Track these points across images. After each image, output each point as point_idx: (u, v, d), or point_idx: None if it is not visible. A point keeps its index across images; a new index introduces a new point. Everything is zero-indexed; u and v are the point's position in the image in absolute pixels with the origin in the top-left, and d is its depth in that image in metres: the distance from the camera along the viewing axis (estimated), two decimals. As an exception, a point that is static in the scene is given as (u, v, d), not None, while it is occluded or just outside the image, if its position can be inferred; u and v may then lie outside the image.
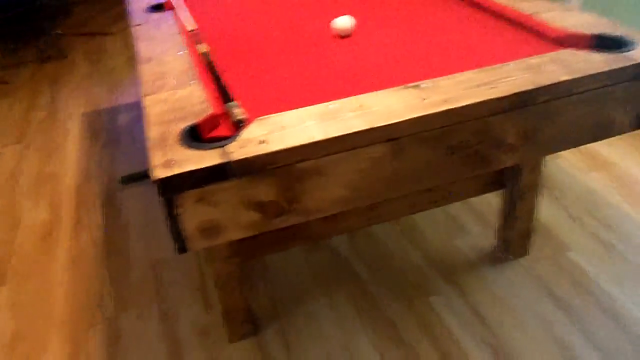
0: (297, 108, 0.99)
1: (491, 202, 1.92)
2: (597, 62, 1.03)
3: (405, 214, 1.51)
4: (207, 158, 0.86)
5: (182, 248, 0.90)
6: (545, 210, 1.85)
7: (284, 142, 0.89)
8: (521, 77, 1.00)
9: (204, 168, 0.84)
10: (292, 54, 1.28)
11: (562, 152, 2.15)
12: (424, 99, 0.96)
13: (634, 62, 1.01)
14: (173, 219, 0.87)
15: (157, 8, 1.65)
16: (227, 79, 1.20)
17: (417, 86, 1.01)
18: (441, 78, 1.03)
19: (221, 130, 0.99)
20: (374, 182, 0.95)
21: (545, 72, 1.01)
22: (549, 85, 0.97)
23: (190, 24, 1.50)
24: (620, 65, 1.01)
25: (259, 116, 0.98)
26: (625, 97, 1.04)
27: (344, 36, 1.34)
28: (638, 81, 1.03)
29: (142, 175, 2.30)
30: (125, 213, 2.04)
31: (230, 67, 1.25)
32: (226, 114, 1.03)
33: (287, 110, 1.01)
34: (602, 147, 2.16)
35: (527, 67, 1.04)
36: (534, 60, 1.06)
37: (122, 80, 3.18)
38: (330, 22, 1.43)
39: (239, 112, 1.01)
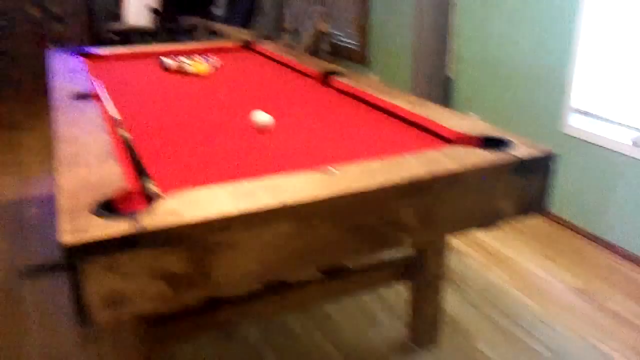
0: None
1: (400, 292, 1.98)
2: (485, 156, 1.17)
3: (316, 301, 1.53)
4: (118, 226, 0.87)
5: (84, 320, 0.88)
6: (453, 302, 1.94)
7: (196, 215, 0.92)
8: (419, 167, 1.12)
9: (113, 236, 0.85)
10: (210, 139, 1.34)
11: (466, 250, 2.30)
12: (332, 182, 1.04)
13: (515, 158, 1.16)
14: (77, 288, 0.86)
15: (83, 97, 1.69)
16: (146, 160, 1.23)
17: (325, 170, 1.09)
18: (346, 165, 1.12)
19: (135, 205, 1.01)
20: (283, 256, 0.99)
21: (440, 163, 1.13)
22: (443, 175, 1.09)
23: (114, 113, 1.54)
24: (502, 159, 1.15)
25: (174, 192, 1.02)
26: (507, 188, 1.17)
27: (262, 130, 1.43)
28: (518, 173, 1.17)
29: (48, 268, 2.19)
30: (25, 306, 1.91)
31: (151, 151, 1.29)
32: (141, 190, 1.06)
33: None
34: (501, 245, 2.33)
35: (425, 159, 1.16)
36: (431, 153, 1.19)
37: (36, 175, 3.11)
38: (250, 117, 1.53)
39: (153, 188, 1.04)
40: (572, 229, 2.45)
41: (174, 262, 0.91)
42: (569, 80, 2.36)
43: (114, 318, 0.90)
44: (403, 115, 1.50)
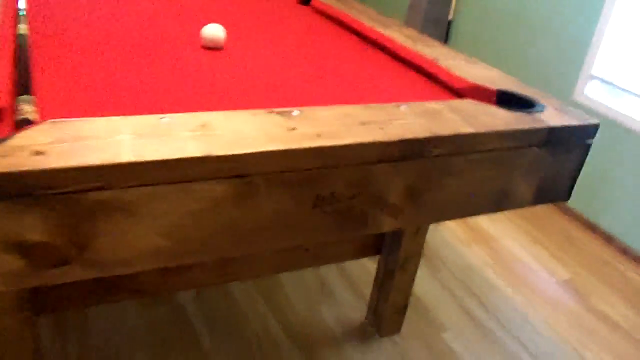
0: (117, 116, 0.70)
1: (367, 267, 1.71)
2: (505, 118, 0.86)
3: (264, 273, 1.24)
4: None
5: None
6: (422, 281, 1.68)
7: (72, 158, 0.59)
8: (415, 121, 0.80)
9: None
10: (139, 57, 0.99)
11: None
12: (291, 129, 0.72)
13: (545, 125, 0.85)
14: None
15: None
16: (39, 70, 0.88)
17: (285, 113, 0.77)
18: (318, 107, 0.80)
19: (-5, 131, 0.67)
20: (207, 232, 0.68)
21: (444, 120, 0.82)
22: (448, 136, 0.78)
23: (21, 3, 1.16)
24: (532, 126, 0.84)
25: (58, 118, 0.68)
26: (531, 165, 0.87)
27: (212, 47, 1.08)
28: (547, 148, 0.87)
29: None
30: None
31: (53, 59, 0.94)
32: (11, 110, 0.72)
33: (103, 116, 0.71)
34: (484, 220, 2.07)
35: (423, 111, 0.84)
36: (432, 105, 0.87)
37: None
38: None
39: (28, 109, 0.70)
40: (565, 213, 2.20)
41: (32, 226, 0.59)
42: (594, 42, 2.04)
43: None
44: (399, 52, 1.16)
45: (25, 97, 0.74)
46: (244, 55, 1.06)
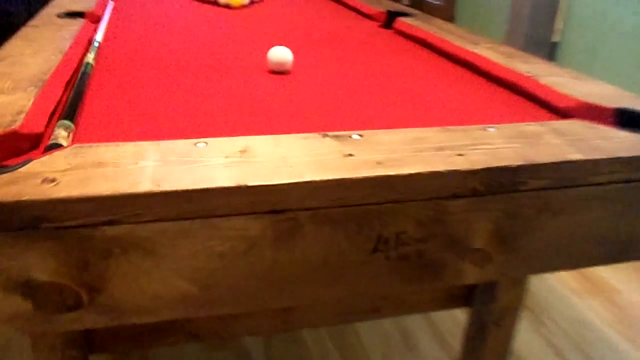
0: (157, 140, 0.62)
1: (457, 317, 1.51)
2: (627, 142, 0.67)
3: (333, 322, 1.10)
4: None
5: None
6: (524, 338, 1.44)
7: (84, 187, 0.51)
8: (506, 147, 0.64)
9: None
10: (201, 83, 0.92)
11: (553, 267, 1.78)
12: (347, 155, 0.60)
13: (681, 151, 0.66)
14: None
15: (72, 16, 1.32)
16: (91, 97, 0.83)
17: (342, 136, 0.64)
18: (383, 131, 0.67)
19: (24, 156, 0.61)
20: (240, 278, 0.56)
21: (543, 145, 0.65)
22: (547, 164, 0.61)
23: (99, 37, 1.16)
24: (661, 151, 0.65)
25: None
26: (663, 203, 0.67)
27: (278, 71, 1.00)
28: (685, 180, 0.67)
29: None
30: None
31: (111, 86, 0.89)
32: (47, 136, 0.66)
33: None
34: (603, 268, 1.78)
35: (517, 134, 0.68)
36: (529, 127, 0.71)
37: None
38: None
39: (60, 135, 0.64)
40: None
41: (37, 263, 0.51)
42: None
43: None
44: (488, 69, 1.01)
45: (64, 122, 0.68)
46: (311, 79, 0.96)
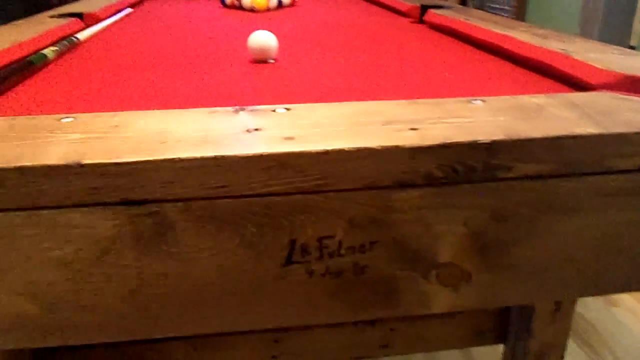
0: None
1: (497, 350, 1.27)
2: (670, 113, 0.47)
3: (331, 359, 0.92)
4: None
5: None
6: (585, 386, 1.18)
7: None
8: (488, 119, 0.46)
9: None
10: (195, 75, 0.80)
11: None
12: (251, 131, 0.44)
13: None
14: None
15: (71, 17, 1.26)
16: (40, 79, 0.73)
17: (258, 110, 0.48)
18: (321, 104, 0.50)
19: None
20: (95, 292, 0.41)
21: (546, 118, 0.46)
22: (543, 140, 0.42)
23: (83, 34, 1.08)
24: None
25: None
26: None
27: (259, 60, 0.85)
28: None
29: None
30: None
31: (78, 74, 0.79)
32: None
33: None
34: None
35: (511, 106, 0.49)
36: (530, 99, 0.52)
37: None
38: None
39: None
40: None
41: None
42: None
43: None
44: (521, 53, 0.81)
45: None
46: (302, 66, 0.81)
